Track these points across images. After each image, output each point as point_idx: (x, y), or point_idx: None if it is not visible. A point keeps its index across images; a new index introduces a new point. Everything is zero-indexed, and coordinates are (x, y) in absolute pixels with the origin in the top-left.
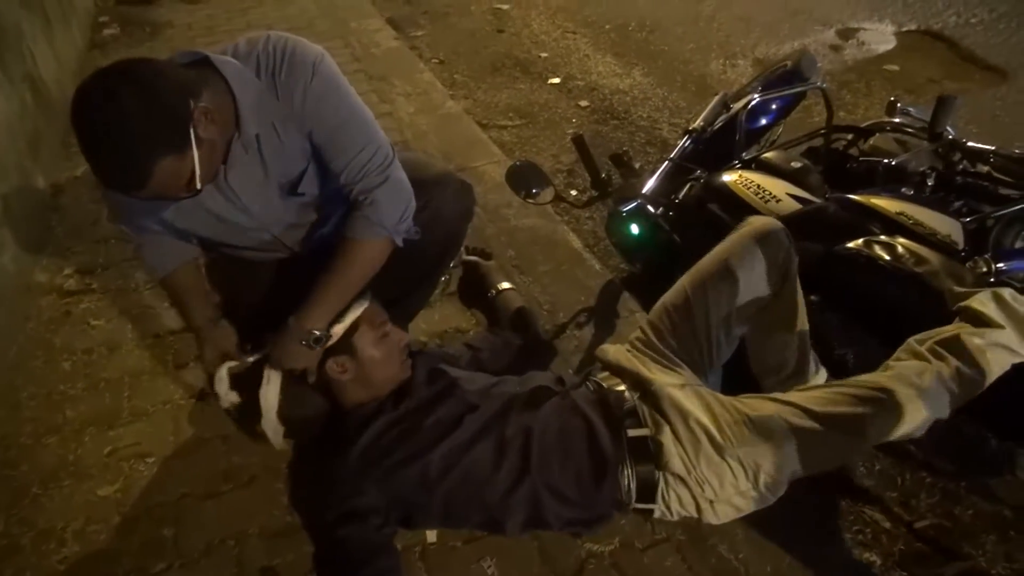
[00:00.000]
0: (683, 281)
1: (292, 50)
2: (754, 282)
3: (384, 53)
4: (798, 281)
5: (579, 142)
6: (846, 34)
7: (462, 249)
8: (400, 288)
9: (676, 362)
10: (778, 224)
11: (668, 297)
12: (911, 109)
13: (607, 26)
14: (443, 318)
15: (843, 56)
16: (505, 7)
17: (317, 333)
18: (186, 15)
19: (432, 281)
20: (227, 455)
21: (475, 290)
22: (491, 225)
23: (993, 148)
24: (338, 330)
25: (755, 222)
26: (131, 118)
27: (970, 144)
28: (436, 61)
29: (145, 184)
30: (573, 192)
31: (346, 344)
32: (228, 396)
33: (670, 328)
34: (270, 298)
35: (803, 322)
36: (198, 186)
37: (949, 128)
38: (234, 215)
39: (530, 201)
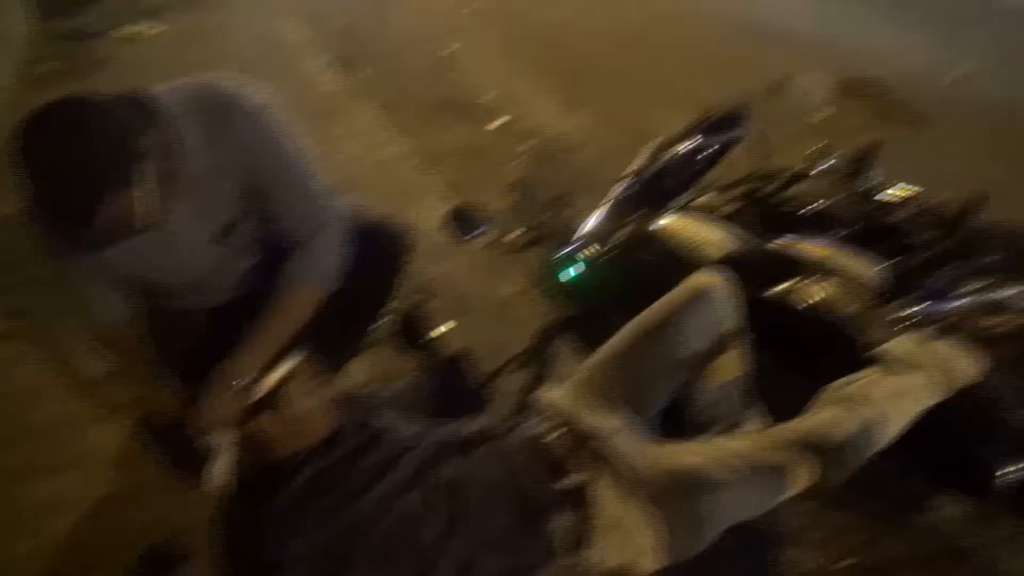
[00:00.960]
0: (625, 329)
1: (235, 94)
2: (697, 333)
3: (328, 93)
4: (743, 331)
5: (514, 189)
6: (782, 80)
7: (399, 293)
8: (335, 334)
9: (614, 408)
10: (724, 277)
11: (609, 344)
12: (836, 156)
13: (554, 69)
14: (379, 363)
15: (779, 102)
16: (453, 47)
17: (247, 382)
18: (129, 52)
19: (368, 326)
20: (155, 507)
21: (412, 334)
22: (430, 267)
23: (914, 193)
24: (270, 380)
25: (701, 275)
26: (77, 153)
27: (892, 190)
28: (381, 102)
29: (89, 222)
30: (513, 234)
31: (277, 394)
32: (220, 475)
33: (609, 374)
34: (202, 348)
35: (744, 370)
36: (140, 225)
37: (874, 174)
38: (169, 259)
39: (469, 243)
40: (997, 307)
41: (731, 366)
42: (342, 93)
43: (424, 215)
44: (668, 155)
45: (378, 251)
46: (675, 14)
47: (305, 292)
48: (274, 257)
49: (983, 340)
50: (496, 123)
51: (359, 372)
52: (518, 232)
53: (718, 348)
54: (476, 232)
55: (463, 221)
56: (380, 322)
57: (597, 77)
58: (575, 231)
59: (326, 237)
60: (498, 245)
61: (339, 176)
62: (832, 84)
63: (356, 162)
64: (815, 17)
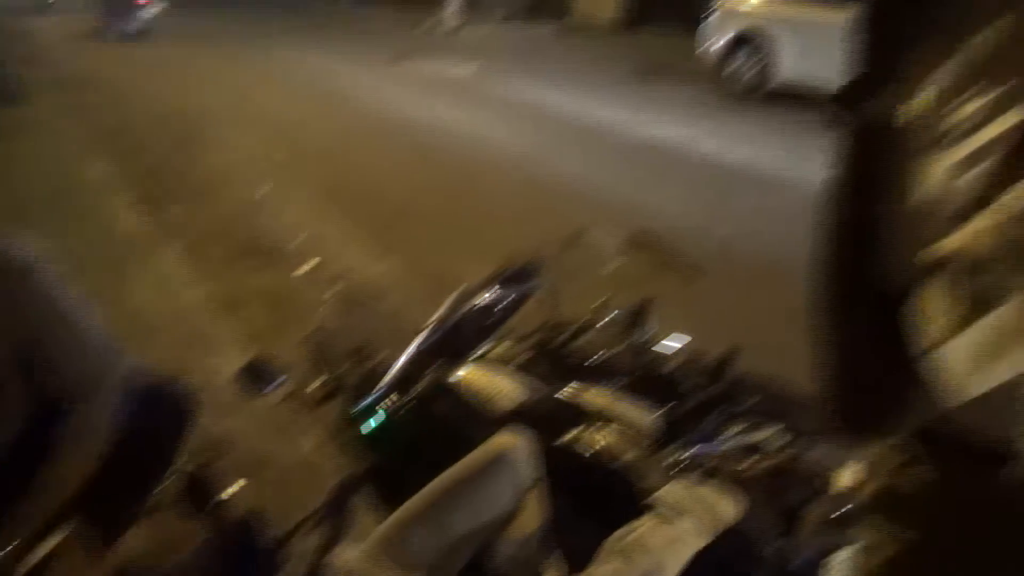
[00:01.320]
0: (426, 490)
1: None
2: (498, 496)
3: (129, 234)
4: (541, 484)
5: (315, 339)
6: (576, 234)
7: (185, 452)
8: (110, 501)
9: (412, 570)
10: (523, 438)
11: (409, 503)
12: (617, 310)
13: (361, 215)
14: (161, 530)
15: (572, 255)
16: (264, 189)
17: (5, 560)
18: None
19: (148, 491)
20: None
21: (198, 496)
22: (221, 423)
23: (685, 343)
24: (33, 558)
25: (502, 437)
26: None
27: (667, 341)
28: (185, 243)
29: None
30: (312, 385)
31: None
32: None
33: (409, 536)
34: None
35: (541, 522)
36: None
37: (649, 326)
38: None
39: (265, 397)
40: (752, 449)
41: (530, 520)
42: (145, 234)
43: (220, 366)
44: (467, 306)
45: (159, 411)
46: (484, 168)
47: (76, 457)
48: (44, 420)
49: (740, 481)
50: (304, 268)
51: (137, 542)
52: (317, 383)
53: (518, 507)
54: (273, 385)
55: (259, 374)
56: (162, 485)
57: (408, 224)
58: (376, 382)
59: (100, 398)
60: (296, 397)
61: (130, 326)
62: (620, 238)
63: (153, 309)
64: (608, 175)
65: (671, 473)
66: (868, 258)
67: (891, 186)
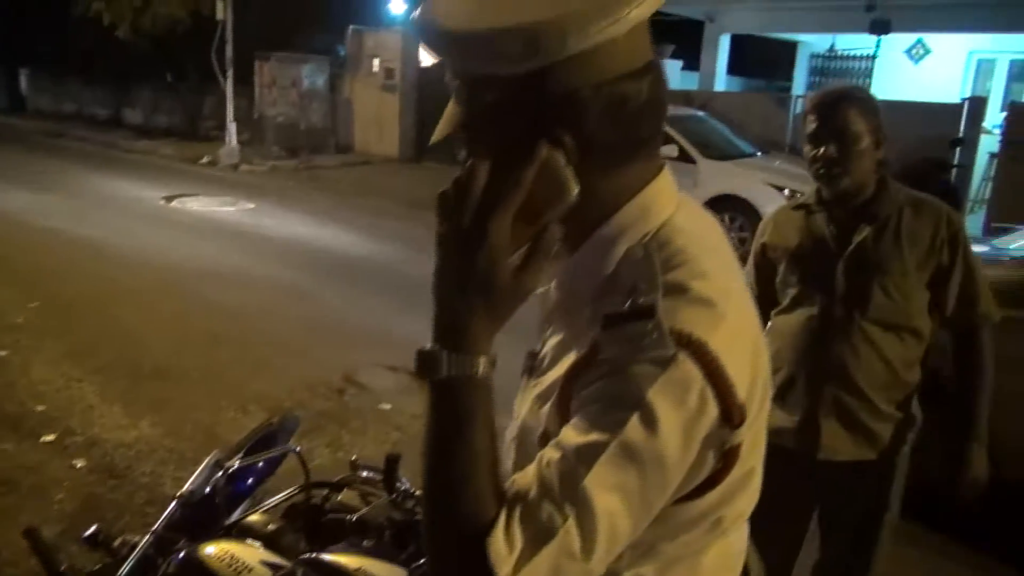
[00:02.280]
0: None
1: None
2: None
3: None
4: None
5: (31, 536)
6: (348, 375)
7: None
8: None
9: None
10: None
11: None
12: (373, 465)
13: (118, 372)
14: None
15: (345, 397)
16: (1, 354)
17: None
18: None
19: None
20: None
21: None
22: None
23: None
24: None
25: None
26: None
27: (419, 492)
28: None
29: None
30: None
31: None
32: None
33: None
34: None
35: None
36: None
37: (403, 479)
38: None
39: None
40: None
41: None
42: None
43: None
44: (219, 473)
45: None
46: (252, 310)
47: None
48: None
49: None
50: (47, 438)
51: None
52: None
53: None
54: None
55: None
56: None
57: (168, 381)
58: (118, 567)
59: None
60: None
61: None
62: (391, 378)
63: None
64: (375, 314)
65: None
66: None
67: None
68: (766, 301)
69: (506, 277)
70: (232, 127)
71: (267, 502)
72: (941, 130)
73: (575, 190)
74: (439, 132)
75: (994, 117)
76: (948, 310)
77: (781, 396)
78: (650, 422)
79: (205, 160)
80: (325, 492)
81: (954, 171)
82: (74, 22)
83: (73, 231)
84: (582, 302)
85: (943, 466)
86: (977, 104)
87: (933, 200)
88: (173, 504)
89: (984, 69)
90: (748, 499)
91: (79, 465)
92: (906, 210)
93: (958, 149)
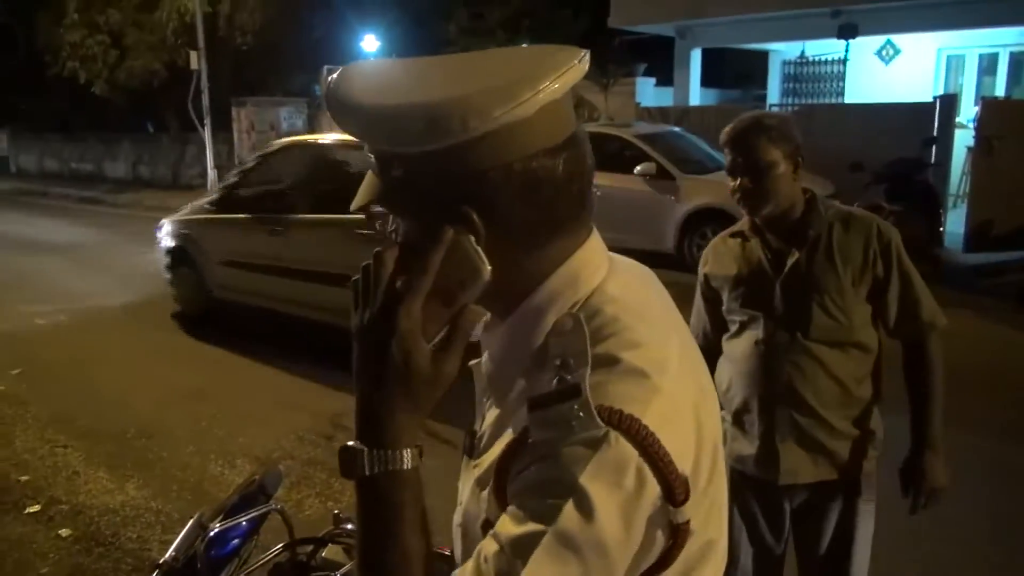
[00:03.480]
0: None
1: None
2: None
3: None
4: None
5: None
6: (336, 420)
7: None
8: None
9: None
10: None
11: None
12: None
13: (103, 435)
14: None
15: (333, 443)
16: None
17: None
18: None
19: None
20: None
21: None
22: None
23: None
24: None
25: None
26: None
27: None
28: None
29: None
30: None
31: None
32: None
33: None
34: None
35: None
36: None
37: None
38: None
39: None
40: None
41: None
42: None
43: None
44: (202, 536)
45: None
46: (235, 364)
47: None
48: None
49: None
50: (31, 509)
51: None
52: None
53: None
54: None
55: None
56: None
57: (153, 441)
58: None
59: None
60: None
61: None
62: None
63: None
64: None
65: None
66: None
67: None
68: (717, 329)
69: (424, 364)
70: (213, 174)
71: (251, 563)
72: (915, 129)
73: (487, 271)
74: (357, 200)
75: (968, 112)
76: (891, 322)
77: (739, 423)
78: (585, 508)
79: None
80: (310, 548)
81: (930, 169)
82: (51, 81)
83: (54, 291)
84: (513, 376)
85: (900, 476)
86: (949, 101)
87: (863, 214)
88: (155, 574)
89: (954, 65)
90: (713, 570)
91: (64, 535)
92: (836, 226)
93: (933, 147)
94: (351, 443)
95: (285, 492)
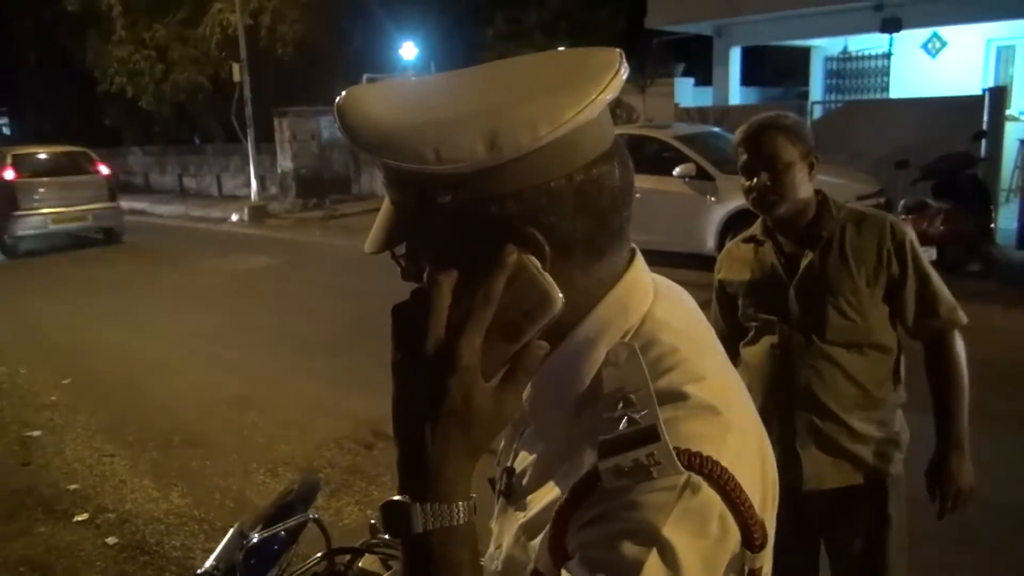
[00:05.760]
0: None
1: None
2: None
3: None
4: None
5: None
6: (376, 428)
7: None
8: None
9: None
10: None
11: None
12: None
13: (149, 444)
14: None
15: (374, 451)
16: (35, 434)
17: None
18: None
19: None
20: None
21: None
22: None
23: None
24: None
25: None
26: None
27: None
28: None
29: None
30: None
31: None
32: None
33: None
34: None
35: None
36: None
37: None
38: None
39: None
40: None
41: None
42: None
43: None
44: (242, 545)
45: None
46: (278, 372)
47: None
48: None
49: None
50: (80, 517)
51: None
52: None
53: None
54: None
55: None
56: None
57: (196, 450)
58: None
59: None
60: None
61: None
62: None
63: None
64: None
65: None
66: None
67: None
68: (734, 335)
69: (485, 405)
70: (256, 184)
71: (290, 571)
72: (964, 123)
73: (558, 299)
74: (376, 244)
75: (1020, 104)
76: (909, 321)
77: None
78: (670, 560)
79: (234, 218)
80: (348, 558)
81: (980, 164)
82: (101, 97)
83: (101, 304)
84: (559, 411)
85: (926, 479)
86: (999, 93)
87: (875, 213)
88: None
89: (1004, 56)
90: None
91: (111, 543)
92: (848, 227)
93: (983, 141)
94: (397, 497)
95: (325, 500)
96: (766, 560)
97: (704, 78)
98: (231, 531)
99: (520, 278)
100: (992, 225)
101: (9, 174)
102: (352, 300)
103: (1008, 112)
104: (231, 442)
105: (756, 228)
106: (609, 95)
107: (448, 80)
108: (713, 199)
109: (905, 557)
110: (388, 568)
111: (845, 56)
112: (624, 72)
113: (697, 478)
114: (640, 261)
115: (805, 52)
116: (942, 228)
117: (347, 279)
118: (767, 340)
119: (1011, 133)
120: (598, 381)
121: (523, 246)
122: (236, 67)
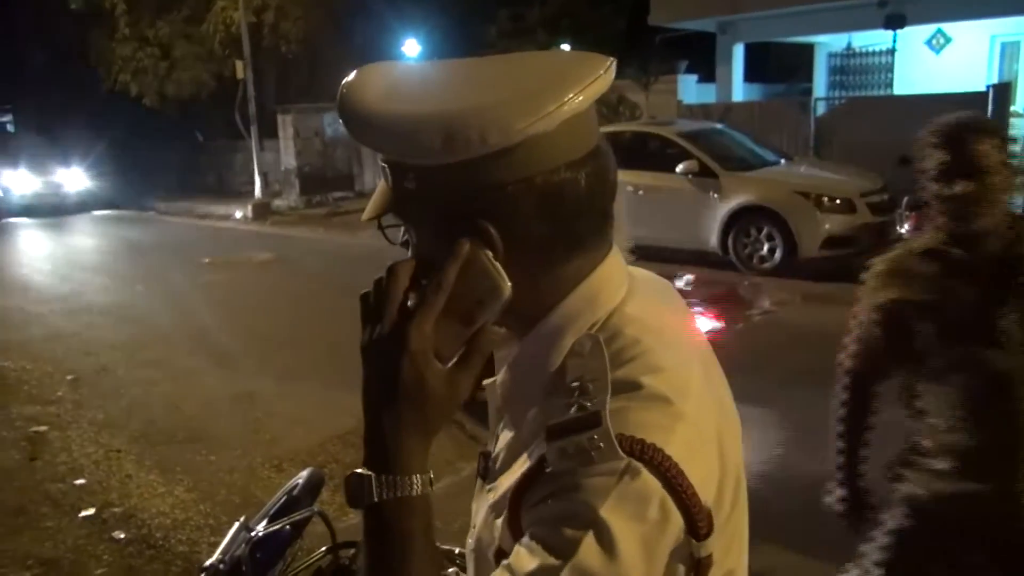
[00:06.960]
0: None
1: None
2: None
3: None
4: None
5: None
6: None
7: None
8: None
9: None
10: None
11: None
12: None
13: (154, 439)
14: None
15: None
16: (42, 429)
17: None
18: None
19: None
20: None
21: None
22: None
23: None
24: None
25: None
26: None
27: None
28: None
29: None
30: None
31: None
32: None
33: None
34: None
35: None
36: None
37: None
38: None
39: None
40: None
41: None
42: None
43: None
44: (246, 539)
45: None
46: (284, 367)
47: None
48: None
49: None
50: (86, 512)
51: None
52: None
53: None
54: None
55: None
56: None
57: (203, 440)
58: None
59: None
60: None
61: None
62: None
63: None
64: None
65: None
66: None
67: None
68: (901, 358)
69: (436, 384)
70: (259, 180)
71: (295, 566)
72: None
73: (506, 288)
74: (369, 212)
75: None
76: None
77: (963, 467)
78: (606, 542)
79: (238, 215)
80: (352, 552)
81: None
82: (104, 96)
83: (108, 298)
84: (528, 398)
85: None
86: (1003, 89)
87: None
88: (201, 575)
89: (1009, 52)
90: None
91: (118, 537)
92: None
93: None
94: (359, 469)
95: (329, 495)
96: (715, 548)
97: (707, 75)
98: (236, 525)
99: (473, 268)
100: None
101: None
102: (356, 296)
103: (1012, 108)
104: (236, 437)
105: (934, 240)
106: (569, 109)
107: (428, 70)
108: (716, 196)
109: None
110: None
111: (849, 52)
112: (597, 85)
113: (637, 464)
114: (614, 257)
115: (809, 48)
116: None
117: (350, 275)
118: (973, 372)
119: (1015, 129)
120: (563, 370)
121: (478, 239)
122: (239, 64)
